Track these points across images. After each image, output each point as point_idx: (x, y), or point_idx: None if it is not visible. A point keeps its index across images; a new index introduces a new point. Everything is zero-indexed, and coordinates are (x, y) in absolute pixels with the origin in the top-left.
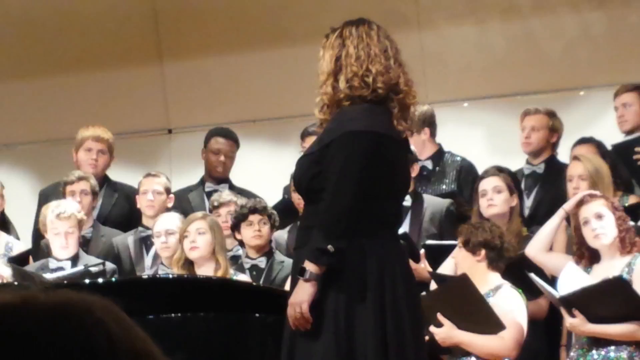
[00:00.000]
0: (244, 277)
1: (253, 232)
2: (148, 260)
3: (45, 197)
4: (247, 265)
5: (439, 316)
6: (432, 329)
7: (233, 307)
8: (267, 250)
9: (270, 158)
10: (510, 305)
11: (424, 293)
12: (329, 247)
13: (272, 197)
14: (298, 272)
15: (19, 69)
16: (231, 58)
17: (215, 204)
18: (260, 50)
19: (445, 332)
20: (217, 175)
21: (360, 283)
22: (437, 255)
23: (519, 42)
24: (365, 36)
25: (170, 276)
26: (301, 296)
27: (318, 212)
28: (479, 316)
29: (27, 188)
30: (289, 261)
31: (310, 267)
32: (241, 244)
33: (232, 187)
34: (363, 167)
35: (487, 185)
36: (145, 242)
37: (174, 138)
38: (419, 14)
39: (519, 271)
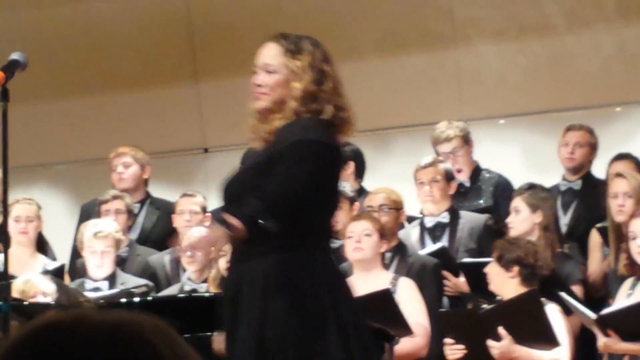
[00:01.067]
0: None
1: None
2: (184, 279)
3: (86, 213)
4: None
5: (500, 330)
6: (490, 342)
7: None
8: None
9: None
10: (557, 323)
11: (484, 306)
12: (261, 221)
13: None
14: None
15: (55, 90)
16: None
17: None
18: None
19: (505, 346)
20: None
21: (314, 295)
22: (474, 272)
23: (555, 58)
24: (333, 66)
25: (207, 295)
26: (218, 234)
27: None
28: (537, 332)
29: (63, 208)
30: None
31: (234, 222)
32: None
33: None
34: (318, 170)
35: (510, 206)
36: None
37: (210, 157)
38: (455, 31)
39: (549, 289)
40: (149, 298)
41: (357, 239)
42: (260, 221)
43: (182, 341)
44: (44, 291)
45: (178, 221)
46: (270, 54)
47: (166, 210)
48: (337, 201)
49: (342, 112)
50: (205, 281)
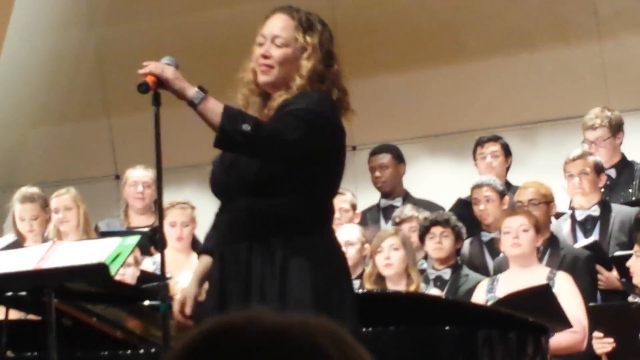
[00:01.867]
0: (435, 291)
1: (434, 244)
2: None
3: None
4: (431, 277)
5: None
6: None
7: (423, 321)
8: (452, 263)
9: (451, 172)
10: None
11: (637, 299)
12: (246, 126)
13: None
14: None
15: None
16: (411, 74)
17: (397, 220)
18: (439, 66)
19: None
20: (382, 191)
21: (331, 277)
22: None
23: None
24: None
25: (360, 291)
26: (182, 83)
27: (267, 204)
28: None
29: (213, 208)
30: (473, 274)
31: (215, 106)
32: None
33: (408, 198)
34: (319, 140)
35: None
36: None
37: (358, 154)
38: (599, 24)
39: None
40: None
41: (514, 235)
42: (244, 127)
43: (354, 343)
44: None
45: None
46: (281, 25)
47: None
48: (339, 185)
49: (346, 96)
50: (358, 278)
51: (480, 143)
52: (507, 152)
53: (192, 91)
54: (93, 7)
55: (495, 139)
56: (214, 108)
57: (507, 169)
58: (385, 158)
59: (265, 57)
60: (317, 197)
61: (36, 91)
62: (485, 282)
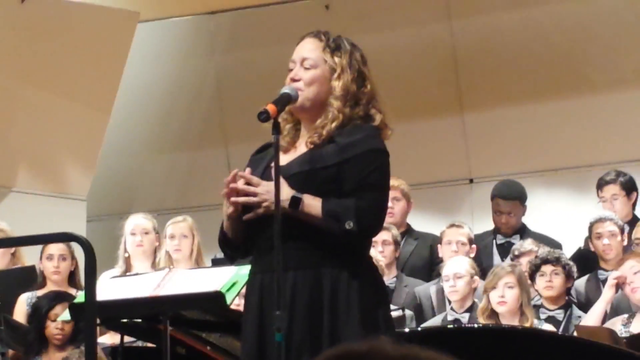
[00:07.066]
0: (549, 327)
1: (545, 282)
2: (448, 309)
3: None
4: (543, 316)
5: None
6: None
7: (537, 358)
8: (563, 303)
9: (571, 207)
10: None
11: None
12: (349, 223)
13: (571, 246)
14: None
15: None
16: (531, 107)
17: (516, 252)
18: (560, 99)
19: None
20: (505, 233)
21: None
22: None
23: None
24: (369, 70)
25: (476, 326)
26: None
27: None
28: None
29: None
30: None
31: (313, 208)
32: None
33: (526, 232)
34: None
35: None
36: None
37: (475, 188)
38: None
39: None
40: (419, 328)
41: None
42: (347, 225)
43: None
44: None
45: (444, 251)
46: (308, 48)
47: (424, 240)
48: None
49: (385, 117)
50: (467, 311)
51: (599, 186)
52: (630, 188)
53: (300, 209)
54: (214, 35)
55: (614, 180)
56: (310, 206)
57: (634, 204)
58: (514, 206)
59: (294, 80)
60: None
61: (155, 118)
62: (620, 318)
